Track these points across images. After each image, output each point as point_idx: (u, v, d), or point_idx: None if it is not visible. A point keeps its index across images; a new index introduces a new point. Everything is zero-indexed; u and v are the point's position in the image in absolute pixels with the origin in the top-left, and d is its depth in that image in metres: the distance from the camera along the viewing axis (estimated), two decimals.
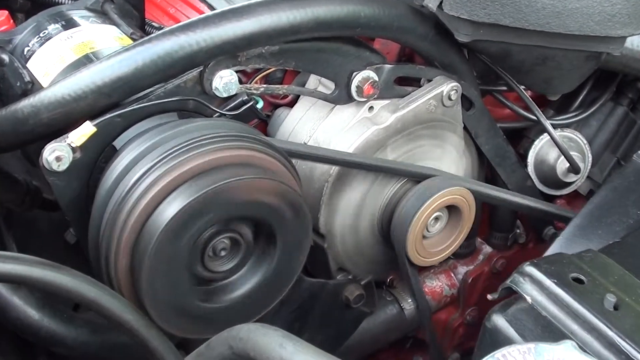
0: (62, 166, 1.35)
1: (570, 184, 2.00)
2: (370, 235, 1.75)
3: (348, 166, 1.60)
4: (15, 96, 1.55)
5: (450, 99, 1.69)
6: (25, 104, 1.36)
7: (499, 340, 1.16)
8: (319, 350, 1.02)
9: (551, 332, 1.10)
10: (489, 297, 1.19)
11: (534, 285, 1.14)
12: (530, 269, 1.15)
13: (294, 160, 1.47)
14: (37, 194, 1.71)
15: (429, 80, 1.70)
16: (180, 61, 1.39)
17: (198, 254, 1.34)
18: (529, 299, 1.13)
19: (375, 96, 1.62)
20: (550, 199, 2.02)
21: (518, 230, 2.09)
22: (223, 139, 1.34)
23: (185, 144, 1.31)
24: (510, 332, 1.13)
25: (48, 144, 1.33)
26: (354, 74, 1.59)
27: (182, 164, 1.29)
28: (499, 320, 1.16)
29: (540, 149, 1.97)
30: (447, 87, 1.68)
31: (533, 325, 1.11)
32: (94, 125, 1.36)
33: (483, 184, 1.83)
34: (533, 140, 1.98)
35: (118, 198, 1.30)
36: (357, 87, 1.59)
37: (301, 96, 1.74)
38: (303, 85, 1.74)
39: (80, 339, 1.48)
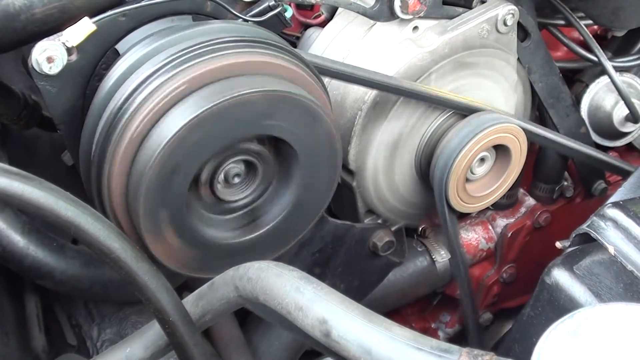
0: (55, 69, 1.21)
1: (626, 134, 1.89)
2: (407, 174, 1.61)
3: (386, 91, 1.45)
4: None
5: (505, 24, 1.55)
6: None
7: (560, 300, 1.01)
8: (343, 297, 0.86)
9: (637, 292, 0.92)
10: (558, 244, 1.01)
11: (619, 232, 0.95)
12: (614, 211, 0.97)
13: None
14: (35, 109, 1.61)
15: (483, 2, 1.56)
16: None
17: (207, 178, 1.21)
18: (611, 249, 0.94)
19: (422, 14, 1.48)
20: (601, 150, 1.88)
21: (565, 183, 1.95)
22: (243, 44, 1.18)
23: (198, 46, 1.16)
24: (577, 290, 0.96)
25: (39, 42, 1.20)
26: None
27: (193, 68, 1.14)
28: (562, 276, 0.99)
29: (596, 93, 1.85)
30: (503, 11, 1.54)
31: (613, 282, 0.93)
32: (94, 22, 1.23)
33: (537, 124, 1.67)
34: (587, 85, 1.86)
35: (114, 107, 1.15)
36: (402, 1, 1.44)
37: (336, 15, 1.60)
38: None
39: (70, 272, 1.37)
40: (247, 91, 1.12)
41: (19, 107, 1.56)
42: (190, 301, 1.07)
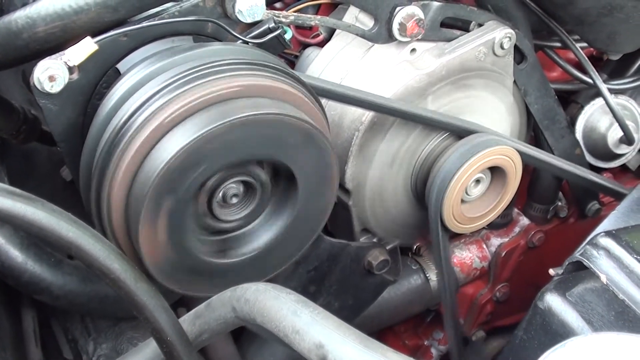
0: (56, 87, 1.21)
1: (620, 156, 1.89)
2: (403, 194, 1.61)
3: (384, 112, 1.45)
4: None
5: (502, 47, 1.55)
6: (20, 15, 1.23)
7: (553, 325, 1.01)
8: (340, 322, 0.86)
9: (628, 320, 0.92)
10: (552, 272, 1.01)
11: (611, 261, 0.96)
12: (606, 240, 0.97)
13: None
14: (35, 124, 1.60)
15: (480, 25, 1.56)
16: None
17: (205, 200, 1.20)
18: (603, 277, 0.95)
19: (419, 37, 1.48)
20: (595, 171, 1.87)
21: (559, 203, 1.94)
22: (242, 66, 1.18)
23: (198, 68, 1.15)
24: (569, 316, 0.97)
25: (41, 61, 1.19)
26: (398, 8, 1.44)
27: (192, 91, 1.13)
28: (554, 301, 0.99)
29: (591, 115, 1.85)
30: (499, 34, 1.54)
31: (605, 310, 0.93)
32: (96, 42, 1.22)
33: (532, 146, 1.68)
34: (582, 106, 1.86)
35: (115, 127, 1.15)
36: (400, 24, 1.44)
37: (334, 35, 1.60)
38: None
39: (67, 287, 1.37)
40: (247, 114, 1.12)
41: (19, 122, 1.55)
42: (187, 320, 1.07)
